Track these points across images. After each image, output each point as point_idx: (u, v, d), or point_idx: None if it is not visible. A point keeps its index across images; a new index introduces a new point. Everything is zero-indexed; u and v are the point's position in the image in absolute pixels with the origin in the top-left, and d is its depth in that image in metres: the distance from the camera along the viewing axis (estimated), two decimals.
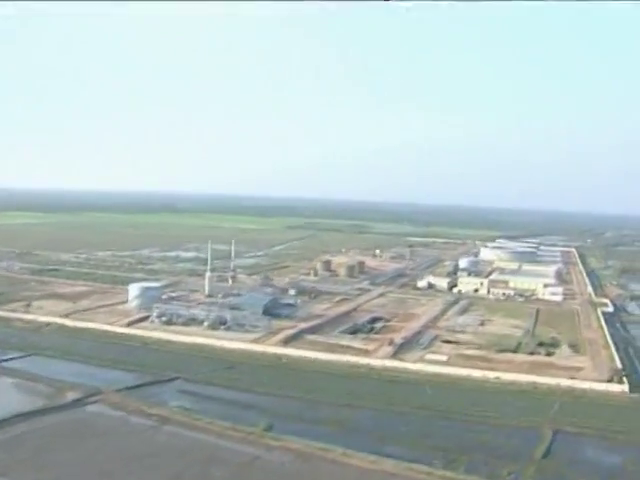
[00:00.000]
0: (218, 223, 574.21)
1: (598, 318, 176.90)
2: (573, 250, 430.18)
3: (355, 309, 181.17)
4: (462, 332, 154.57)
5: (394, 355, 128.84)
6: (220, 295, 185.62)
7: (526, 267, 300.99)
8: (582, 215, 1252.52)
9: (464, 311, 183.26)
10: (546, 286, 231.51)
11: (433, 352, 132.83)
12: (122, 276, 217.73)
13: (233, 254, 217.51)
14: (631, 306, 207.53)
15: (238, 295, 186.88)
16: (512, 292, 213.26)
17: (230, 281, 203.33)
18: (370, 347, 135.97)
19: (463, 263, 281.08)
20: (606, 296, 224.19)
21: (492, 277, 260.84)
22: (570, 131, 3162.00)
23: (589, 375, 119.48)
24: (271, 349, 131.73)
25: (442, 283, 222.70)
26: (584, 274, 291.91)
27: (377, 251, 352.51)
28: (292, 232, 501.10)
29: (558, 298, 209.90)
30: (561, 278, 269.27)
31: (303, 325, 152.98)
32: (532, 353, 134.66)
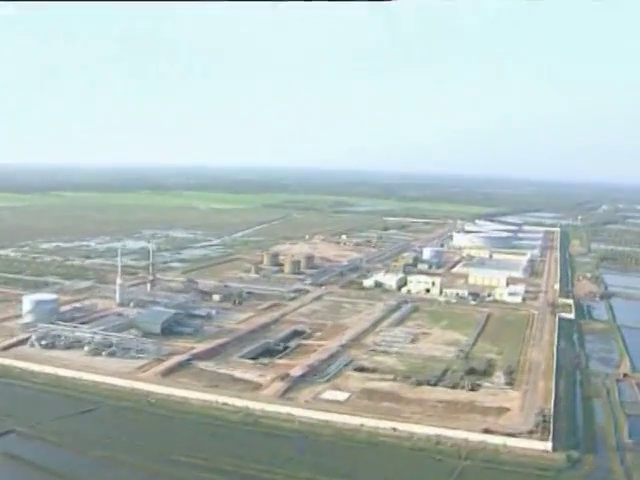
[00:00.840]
0: (195, 203, 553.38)
1: (553, 329, 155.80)
2: (557, 231, 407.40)
3: (279, 319, 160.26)
4: (386, 352, 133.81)
5: (284, 393, 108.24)
6: (132, 304, 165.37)
7: (498, 256, 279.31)
8: (596, 185, 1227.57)
9: (402, 320, 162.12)
10: (509, 283, 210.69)
11: (335, 387, 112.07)
12: (36, 280, 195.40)
13: (151, 253, 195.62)
14: (598, 308, 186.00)
15: (155, 303, 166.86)
16: (467, 292, 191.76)
17: (148, 286, 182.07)
18: (266, 379, 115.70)
19: (426, 253, 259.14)
20: (574, 294, 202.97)
21: (454, 270, 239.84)
22: None
23: (511, 422, 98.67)
24: (141, 385, 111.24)
25: (391, 282, 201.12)
26: (559, 263, 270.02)
27: (343, 237, 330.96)
28: (266, 213, 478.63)
29: (517, 299, 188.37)
30: (532, 270, 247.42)
31: (200, 347, 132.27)
32: (455, 386, 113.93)
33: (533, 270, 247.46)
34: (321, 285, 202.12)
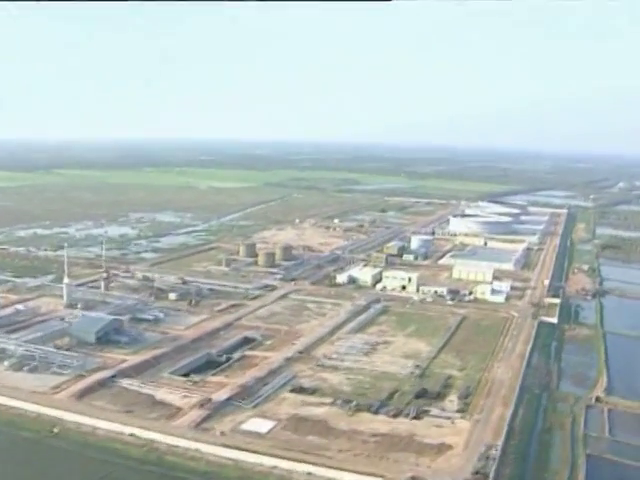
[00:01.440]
0: (197, 182, 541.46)
1: (529, 338, 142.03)
2: (564, 213, 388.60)
3: (232, 323, 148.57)
4: (335, 368, 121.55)
5: (201, 423, 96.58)
6: (80, 306, 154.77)
7: (493, 244, 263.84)
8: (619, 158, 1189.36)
9: (365, 326, 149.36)
10: (496, 278, 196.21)
11: (261, 414, 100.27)
12: None
13: (104, 247, 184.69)
14: (588, 309, 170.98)
15: (105, 304, 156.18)
16: (445, 290, 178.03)
17: (102, 286, 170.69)
18: (189, 402, 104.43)
19: (414, 242, 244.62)
20: (565, 291, 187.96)
21: (442, 261, 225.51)
22: None
23: (448, 465, 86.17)
24: (49, 411, 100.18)
25: (366, 277, 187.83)
26: (556, 252, 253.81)
27: (335, 221, 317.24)
28: (266, 193, 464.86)
29: (500, 298, 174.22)
30: (525, 260, 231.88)
31: (132, 360, 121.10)
32: (398, 414, 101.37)
33: (527, 261, 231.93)
34: (292, 280, 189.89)
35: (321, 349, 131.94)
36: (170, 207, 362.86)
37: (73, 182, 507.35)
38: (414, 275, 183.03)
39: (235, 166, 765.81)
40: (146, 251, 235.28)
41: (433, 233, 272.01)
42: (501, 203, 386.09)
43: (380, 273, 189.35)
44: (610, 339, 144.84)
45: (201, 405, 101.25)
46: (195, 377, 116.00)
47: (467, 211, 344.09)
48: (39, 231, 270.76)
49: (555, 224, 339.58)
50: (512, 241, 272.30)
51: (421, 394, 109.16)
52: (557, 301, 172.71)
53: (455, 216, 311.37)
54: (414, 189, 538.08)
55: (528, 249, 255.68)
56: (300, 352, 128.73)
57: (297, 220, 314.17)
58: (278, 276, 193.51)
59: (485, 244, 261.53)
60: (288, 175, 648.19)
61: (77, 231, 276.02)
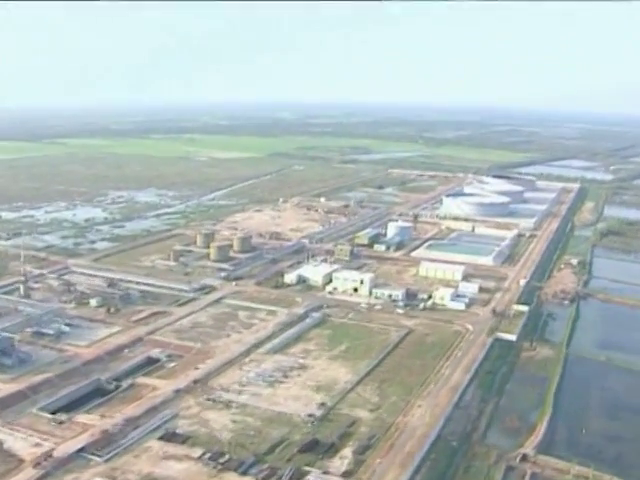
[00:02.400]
0: (199, 152, 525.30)
1: (472, 363, 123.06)
2: (575, 188, 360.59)
3: (143, 338, 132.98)
4: (227, 404, 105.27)
5: None
6: None
7: (481, 230, 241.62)
8: None
9: (291, 342, 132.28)
10: (466, 277, 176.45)
11: (108, 474, 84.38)
12: None
13: (22, 248, 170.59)
14: (559, 319, 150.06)
15: (15, 313, 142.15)
16: (400, 294, 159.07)
17: (21, 289, 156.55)
18: (37, 454, 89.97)
19: (391, 230, 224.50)
20: (541, 294, 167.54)
21: (415, 253, 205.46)
22: None
23: None
24: None
25: (316, 277, 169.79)
26: (550, 240, 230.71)
27: (322, 200, 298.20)
28: (265, 164, 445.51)
29: (460, 305, 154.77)
30: (510, 252, 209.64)
31: (5, 390, 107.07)
32: (270, 476, 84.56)
33: (511, 253, 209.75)
34: (235, 280, 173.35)
35: (223, 377, 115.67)
36: (156, 183, 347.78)
37: (72, 154, 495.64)
38: (367, 277, 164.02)
39: (251, 132, 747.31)
40: (102, 240, 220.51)
41: (416, 218, 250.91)
42: (507, 178, 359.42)
43: (330, 274, 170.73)
44: (571, 365, 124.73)
45: (36, 463, 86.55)
46: (62, 415, 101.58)
47: (466, 189, 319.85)
48: (4, 215, 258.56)
49: (561, 203, 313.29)
50: (504, 226, 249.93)
51: (309, 447, 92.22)
52: (525, 309, 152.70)
53: (448, 196, 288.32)
54: (426, 158, 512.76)
55: (519, 236, 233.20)
56: (195, 381, 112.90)
57: (281, 199, 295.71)
58: (223, 274, 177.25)
59: (473, 230, 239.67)
60: (301, 143, 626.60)
61: (46, 214, 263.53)
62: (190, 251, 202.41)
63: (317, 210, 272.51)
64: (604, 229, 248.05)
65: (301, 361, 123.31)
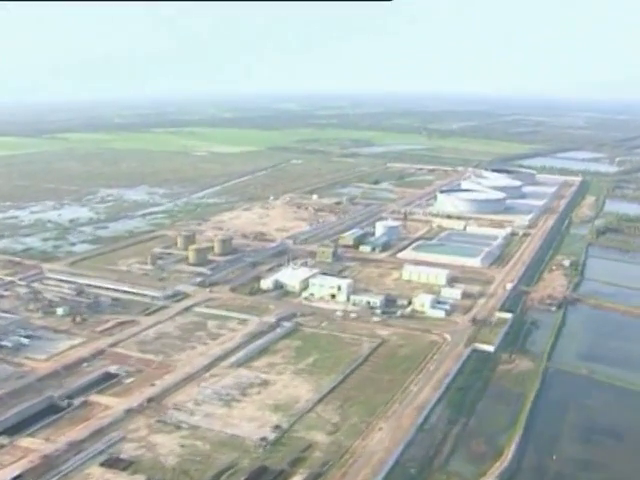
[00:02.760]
0: (198, 146, 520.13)
1: (444, 377, 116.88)
2: (577, 181, 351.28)
3: (105, 350, 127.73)
4: (178, 425, 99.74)
5: None
6: None
7: (473, 229, 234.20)
8: None
9: (258, 354, 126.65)
10: (450, 281, 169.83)
11: None
12: None
13: None
14: (543, 327, 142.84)
15: None
16: (379, 300, 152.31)
17: None
18: None
19: (378, 229, 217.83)
20: (527, 299, 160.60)
21: (402, 254, 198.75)
22: None
23: None
24: None
25: (294, 282, 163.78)
26: (543, 239, 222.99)
27: (314, 197, 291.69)
28: (263, 159, 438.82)
29: (440, 313, 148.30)
30: (500, 253, 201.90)
31: None
32: None
33: (502, 253, 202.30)
34: (211, 285, 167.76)
35: (180, 394, 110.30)
36: (150, 180, 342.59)
37: (71, 149, 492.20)
38: (344, 282, 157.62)
39: (254, 125, 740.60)
40: (83, 242, 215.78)
41: (405, 216, 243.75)
42: (507, 172, 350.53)
43: (308, 279, 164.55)
44: (550, 379, 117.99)
45: None
46: (4, 439, 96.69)
47: (463, 184, 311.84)
48: None
49: (560, 198, 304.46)
50: (498, 223, 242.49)
51: (257, 474, 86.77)
52: (508, 317, 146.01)
53: (442, 192, 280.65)
54: (429, 151, 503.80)
55: (512, 234, 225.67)
56: (149, 400, 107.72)
57: (272, 197, 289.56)
58: (199, 279, 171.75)
59: (464, 228, 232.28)
60: (303, 135, 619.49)
61: (31, 214, 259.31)
62: (170, 254, 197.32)
63: (307, 208, 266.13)
64: (602, 226, 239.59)
65: (263, 376, 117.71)
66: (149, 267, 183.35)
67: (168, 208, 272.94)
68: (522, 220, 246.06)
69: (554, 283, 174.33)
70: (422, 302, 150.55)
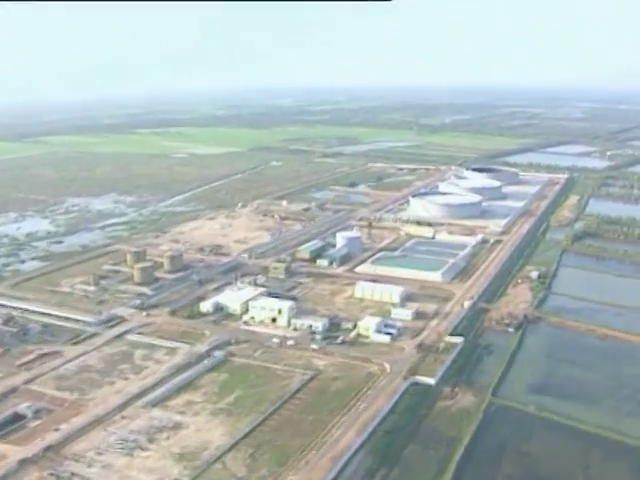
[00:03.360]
0: (179, 148, 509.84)
1: (370, 420, 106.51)
2: (562, 179, 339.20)
3: (19, 387, 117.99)
4: (71, 478, 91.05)
5: None
6: None
7: (443, 236, 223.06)
8: None
9: (178, 390, 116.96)
10: (404, 300, 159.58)
11: None
12: None
13: None
14: (496, 353, 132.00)
15: None
16: (321, 324, 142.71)
17: None
18: None
19: (340, 240, 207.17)
20: (486, 319, 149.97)
21: (360, 268, 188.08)
22: None
23: None
24: None
25: (235, 305, 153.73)
26: (515, 246, 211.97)
27: (284, 203, 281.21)
28: (243, 161, 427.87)
29: (385, 338, 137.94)
30: (465, 265, 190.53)
31: None
32: None
33: (468, 264, 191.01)
34: (150, 308, 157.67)
35: (83, 440, 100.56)
36: (121, 187, 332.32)
37: (51, 154, 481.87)
38: (285, 305, 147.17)
39: (243, 123, 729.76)
40: (33, 259, 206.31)
41: (370, 225, 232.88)
42: (489, 171, 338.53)
43: (253, 299, 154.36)
44: (491, 418, 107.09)
45: None
46: None
47: (441, 186, 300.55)
48: None
49: (542, 198, 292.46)
50: (471, 230, 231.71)
51: None
52: (459, 341, 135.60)
53: (415, 196, 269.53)
54: (416, 148, 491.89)
55: (483, 242, 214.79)
56: (48, 448, 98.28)
57: (240, 204, 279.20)
58: (138, 301, 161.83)
59: (433, 237, 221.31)
60: (290, 134, 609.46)
61: None
62: (118, 271, 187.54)
63: (273, 216, 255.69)
64: (580, 231, 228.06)
65: (177, 418, 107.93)
66: (91, 288, 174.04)
67: (131, 218, 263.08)
68: (496, 225, 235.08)
69: (517, 299, 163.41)
70: (367, 326, 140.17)
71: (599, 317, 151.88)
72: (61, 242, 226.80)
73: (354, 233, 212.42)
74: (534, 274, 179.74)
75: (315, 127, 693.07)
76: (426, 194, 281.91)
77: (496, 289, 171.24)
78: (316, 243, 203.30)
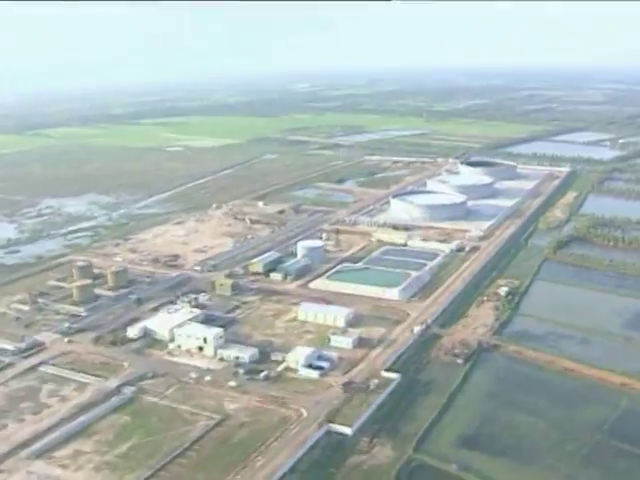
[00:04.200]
0: (183, 137, 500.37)
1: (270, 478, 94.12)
2: (563, 173, 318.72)
3: None
4: None
5: None
6: None
7: (415, 243, 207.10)
8: None
9: (69, 438, 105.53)
10: (348, 324, 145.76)
11: None
12: None
13: None
14: (434, 392, 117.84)
15: None
16: (247, 357, 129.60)
17: None
18: None
19: (300, 250, 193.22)
20: (438, 346, 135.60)
21: (314, 284, 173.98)
22: None
23: None
24: None
25: (163, 330, 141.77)
26: (492, 256, 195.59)
27: (260, 204, 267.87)
28: (237, 154, 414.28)
29: (313, 374, 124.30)
30: (430, 279, 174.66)
31: None
32: None
33: (433, 278, 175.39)
34: (78, 332, 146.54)
35: None
36: (102, 186, 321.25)
37: (47, 148, 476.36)
38: (211, 333, 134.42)
39: (251, 111, 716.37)
40: None
41: (337, 232, 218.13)
42: (485, 165, 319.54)
43: (179, 326, 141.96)
44: None
45: None
46: None
47: (429, 184, 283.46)
48: None
49: (536, 196, 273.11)
50: (450, 234, 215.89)
51: None
52: (394, 377, 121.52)
53: (395, 196, 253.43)
54: (420, 137, 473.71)
55: (458, 250, 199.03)
56: None
57: (214, 205, 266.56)
58: (66, 325, 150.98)
59: (405, 244, 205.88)
60: (295, 122, 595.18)
61: None
62: (61, 287, 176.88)
63: (244, 219, 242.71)
64: (567, 235, 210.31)
65: (58, 473, 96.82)
66: (27, 308, 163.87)
67: (99, 223, 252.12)
68: (478, 229, 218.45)
69: (477, 322, 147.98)
70: (296, 359, 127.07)
71: (564, 345, 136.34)
72: (17, 252, 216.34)
73: (316, 242, 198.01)
74: (503, 290, 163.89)
75: (324, 115, 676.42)
76: (411, 193, 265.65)
77: (456, 309, 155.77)
78: (271, 255, 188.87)
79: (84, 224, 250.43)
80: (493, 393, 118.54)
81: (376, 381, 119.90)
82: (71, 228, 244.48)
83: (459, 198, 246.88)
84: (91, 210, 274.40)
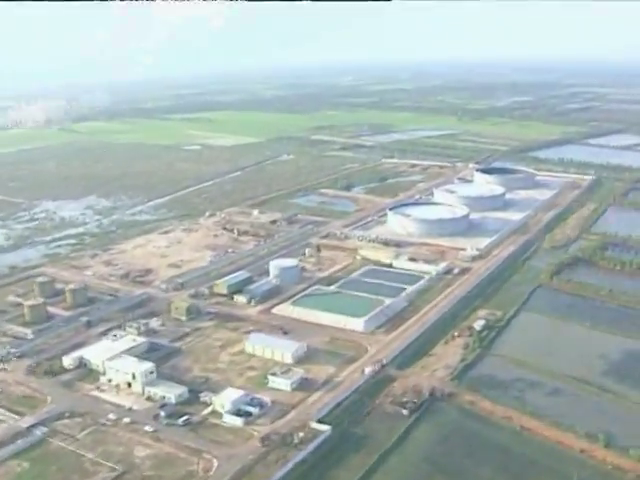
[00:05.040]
0: (206, 135, 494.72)
1: None
2: (587, 181, 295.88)
3: None
4: None
5: None
6: None
7: (401, 263, 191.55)
8: None
9: None
10: (295, 362, 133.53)
11: None
12: None
13: None
14: (362, 454, 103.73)
15: None
16: (173, 397, 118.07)
17: None
18: None
19: (272, 270, 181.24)
20: (388, 391, 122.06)
21: (277, 309, 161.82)
22: None
23: None
24: None
25: (97, 361, 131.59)
26: (481, 279, 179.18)
27: (255, 212, 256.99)
28: (255, 154, 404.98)
29: (238, 421, 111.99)
30: (406, 306, 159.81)
31: None
32: None
33: (410, 306, 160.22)
34: (9, 360, 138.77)
35: None
36: (106, 188, 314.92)
37: (69, 144, 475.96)
38: (140, 369, 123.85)
39: (282, 107, 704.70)
40: None
41: (318, 249, 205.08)
42: (502, 172, 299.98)
43: (111, 358, 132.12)
44: None
45: None
46: None
47: (436, 194, 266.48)
48: None
49: (550, 208, 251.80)
50: (441, 253, 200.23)
51: None
52: (324, 430, 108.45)
53: (392, 209, 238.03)
54: (447, 138, 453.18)
55: (445, 272, 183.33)
56: None
57: (208, 213, 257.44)
58: (4, 351, 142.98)
59: (390, 265, 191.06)
60: (324, 120, 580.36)
61: None
62: (19, 304, 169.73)
63: (232, 230, 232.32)
64: (571, 257, 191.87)
65: None
66: None
67: (86, 230, 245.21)
68: (474, 247, 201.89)
69: (440, 363, 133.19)
70: (223, 402, 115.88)
71: (529, 396, 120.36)
72: None
73: (290, 261, 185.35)
74: (479, 324, 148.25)
75: (356, 112, 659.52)
76: (414, 204, 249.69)
77: (422, 346, 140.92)
78: (240, 274, 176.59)
79: (71, 231, 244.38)
80: (431, 456, 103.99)
81: (301, 434, 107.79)
82: (57, 235, 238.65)
83: (461, 211, 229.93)
84: (85, 215, 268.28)
